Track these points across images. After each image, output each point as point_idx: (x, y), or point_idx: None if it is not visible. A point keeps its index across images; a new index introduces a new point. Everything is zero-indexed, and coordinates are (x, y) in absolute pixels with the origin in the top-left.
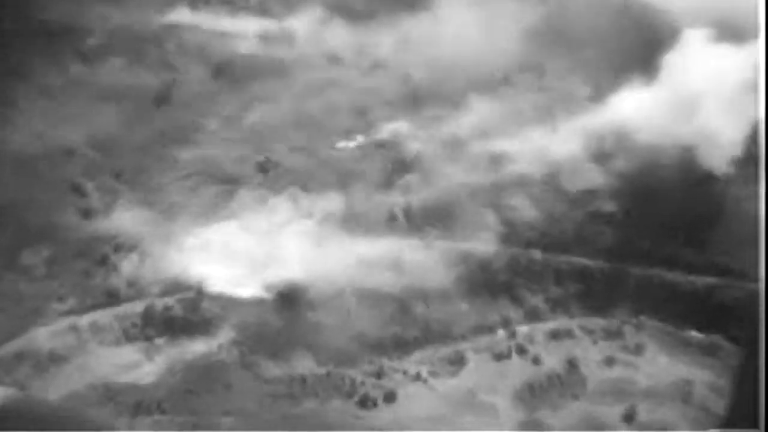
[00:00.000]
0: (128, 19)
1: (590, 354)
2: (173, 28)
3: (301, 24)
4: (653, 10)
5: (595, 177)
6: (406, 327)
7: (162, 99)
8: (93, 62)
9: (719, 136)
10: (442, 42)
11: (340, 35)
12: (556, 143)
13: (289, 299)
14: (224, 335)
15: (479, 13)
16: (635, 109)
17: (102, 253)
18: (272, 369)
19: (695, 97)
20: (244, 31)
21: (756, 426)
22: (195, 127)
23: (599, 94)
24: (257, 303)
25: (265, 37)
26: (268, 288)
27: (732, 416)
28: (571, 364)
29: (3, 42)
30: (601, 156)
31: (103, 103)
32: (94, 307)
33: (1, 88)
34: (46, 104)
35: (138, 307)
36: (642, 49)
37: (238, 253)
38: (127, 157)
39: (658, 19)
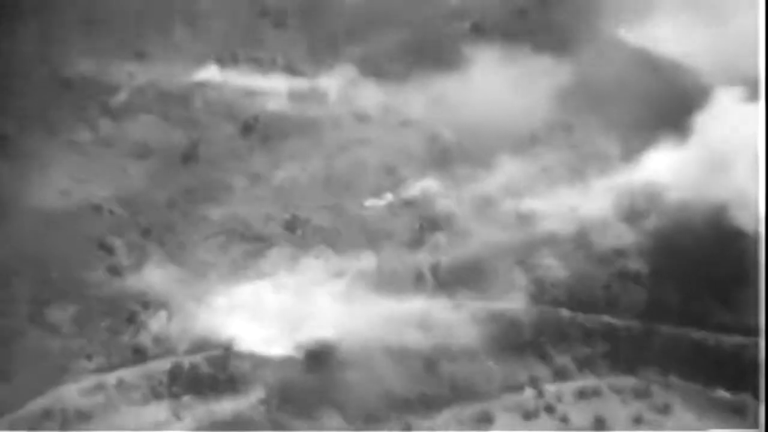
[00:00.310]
0: (156, 77)
1: (618, 413)
2: (201, 86)
3: (330, 83)
4: (684, 70)
5: (624, 236)
6: (435, 385)
7: (190, 156)
8: (121, 119)
9: (750, 195)
10: (472, 101)
11: (370, 94)
12: (586, 202)
13: (318, 358)
14: (253, 394)
15: (510, 72)
16: (666, 167)
17: (130, 311)
18: (301, 427)
19: (726, 156)
20: (273, 90)
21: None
22: (223, 185)
23: (630, 153)
24: (286, 361)
25: (294, 96)
26: (297, 347)
27: None
28: (600, 423)
29: (31, 98)
30: (631, 215)
31: (131, 160)
32: (122, 364)
33: (29, 144)
34: (73, 160)
35: (165, 365)
36: (673, 108)
37: (267, 311)
38: (155, 214)
39: (688, 78)
